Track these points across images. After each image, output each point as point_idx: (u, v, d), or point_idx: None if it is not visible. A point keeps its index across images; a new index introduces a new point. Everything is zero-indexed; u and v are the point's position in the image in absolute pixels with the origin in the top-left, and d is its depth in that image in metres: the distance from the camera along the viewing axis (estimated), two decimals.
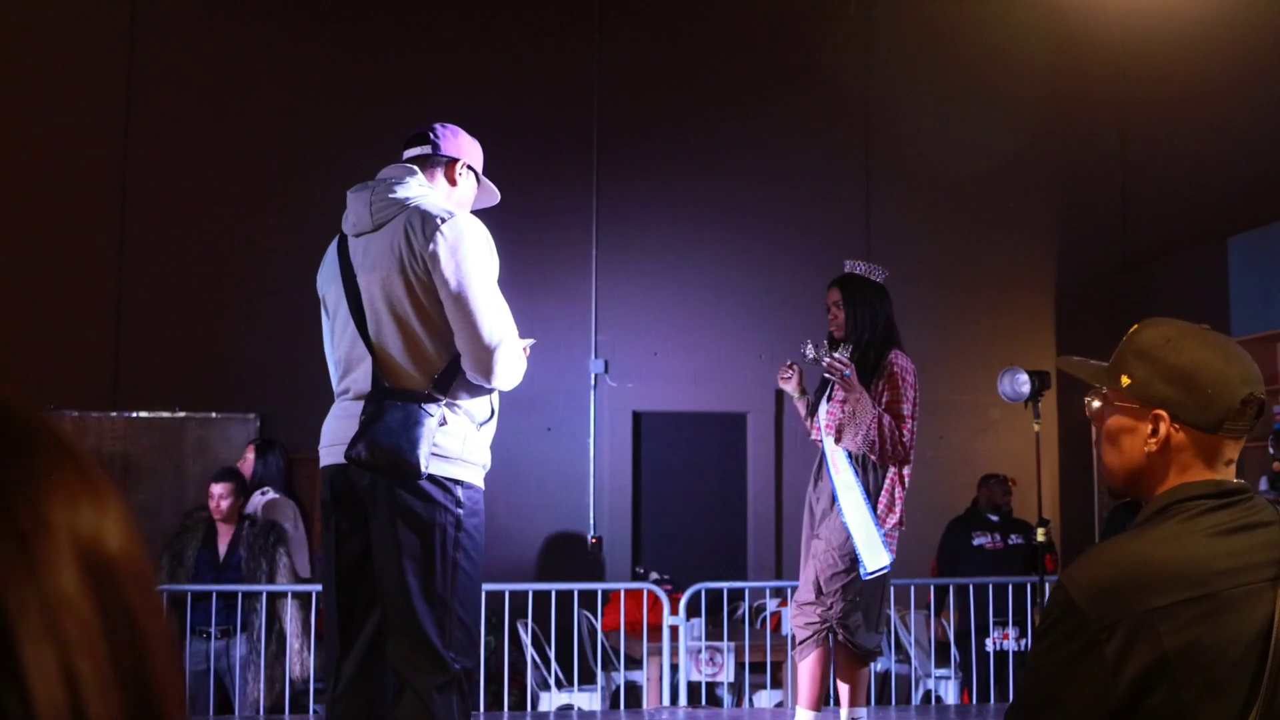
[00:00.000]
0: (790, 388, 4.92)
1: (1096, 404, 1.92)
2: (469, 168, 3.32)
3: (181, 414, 8.38)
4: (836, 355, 4.52)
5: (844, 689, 4.84)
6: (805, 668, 4.79)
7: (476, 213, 3.29)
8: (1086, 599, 1.72)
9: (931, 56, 9.49)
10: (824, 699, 4.90)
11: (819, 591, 4.67)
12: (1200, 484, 1.80)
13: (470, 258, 3.02)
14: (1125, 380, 1.85)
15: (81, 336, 8.38)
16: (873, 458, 4.62)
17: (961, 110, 9.45)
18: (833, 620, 4.65)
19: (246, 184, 8.71)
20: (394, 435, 2.94)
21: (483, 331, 3.00)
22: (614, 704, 7.08)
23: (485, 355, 3.00)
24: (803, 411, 5.03)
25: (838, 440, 4.67)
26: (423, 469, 2.94)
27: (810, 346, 4.65)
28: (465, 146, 3.32)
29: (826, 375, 4.62)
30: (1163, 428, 1.82)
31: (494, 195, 3.45)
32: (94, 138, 8.56)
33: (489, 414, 3.16)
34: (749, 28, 9.42)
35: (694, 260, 9.09)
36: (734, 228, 9.16)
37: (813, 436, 4.96)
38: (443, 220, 3.03)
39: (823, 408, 4.81)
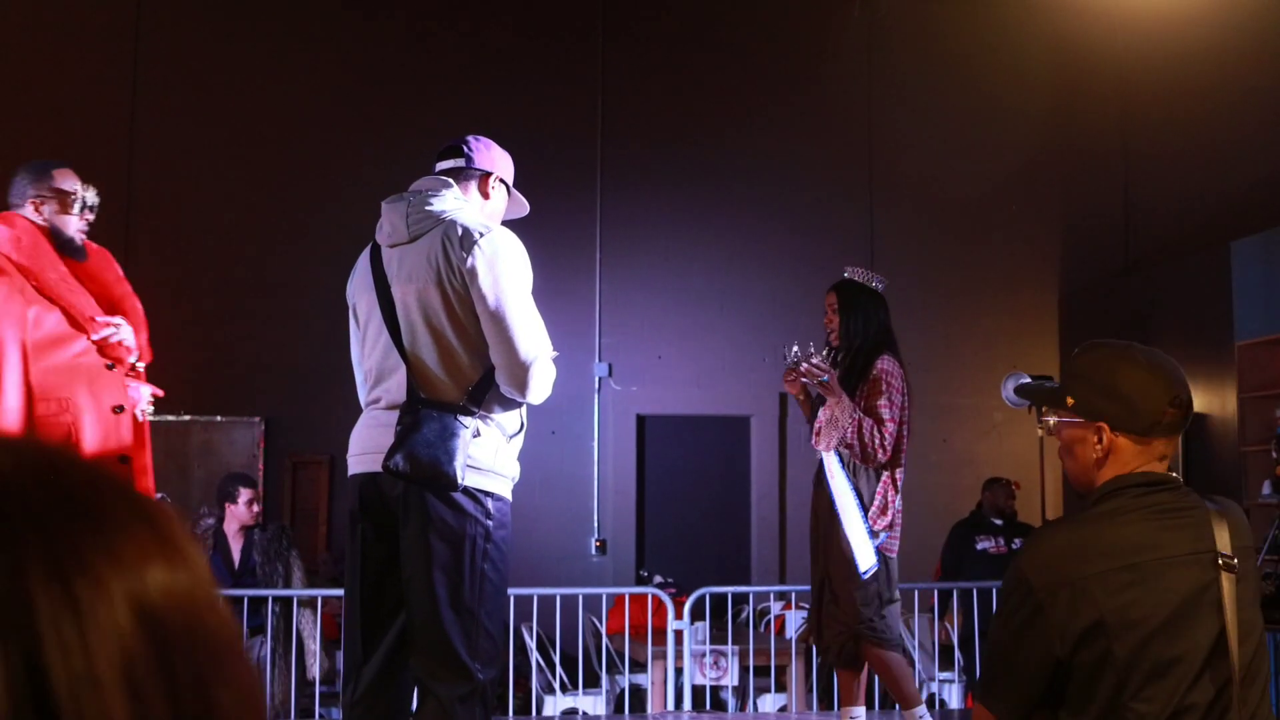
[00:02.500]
0: (796, 391, 4.93)
1: (1052, 421, 2.29)
2: (501, 180, 3.34)
3: (187, 418, 8.39)
4: (815, 361, 4.54)
5: (892, 690, 4.87)
6: (880, 670, 4.80)
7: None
8: (1033, 571, 2.11)
9: (935, 61, 9.50)
10: (916, 695, 4.94)
11: (837, 600, 4.72)
12: (1133, 475, 2.18)
13: (507, 273, 3.04)
14: (1070, 401, 2.25)
15: None
16: (855, 460, 4.67)
17: (965, 115, 9.47)
18: (855, 625, 4.70)
19: (251, 189, 8.72)
20: (432, 447, 2.96)
21: (519, 348, 3.02)
22: (618, 708, 7.09)
23: (521, 371, 3.03)
24: (806, 415, 5.07)
25: (817, 443, 4.74)
26: (459, 481, 2.97)
27: (795, 350, 4.67)
28: (498, 159, 3.35)
29: (803, 380, 4.66)
30: (1105, 436, 2.20)
31: (523, 206, 3.47)
32: (99, 142, 8.57)
33: (519, 426, 3.19)
34: (753, 33, 9.43)
35: (698, 264, 9.11)
36: (738, 231, 9.17)
37: (811, 441, 5.00)
38: (481, 235, 3.05)
39: (820, 413, 4.86)
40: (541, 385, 3.09)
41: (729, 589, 6.97)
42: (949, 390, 9.02)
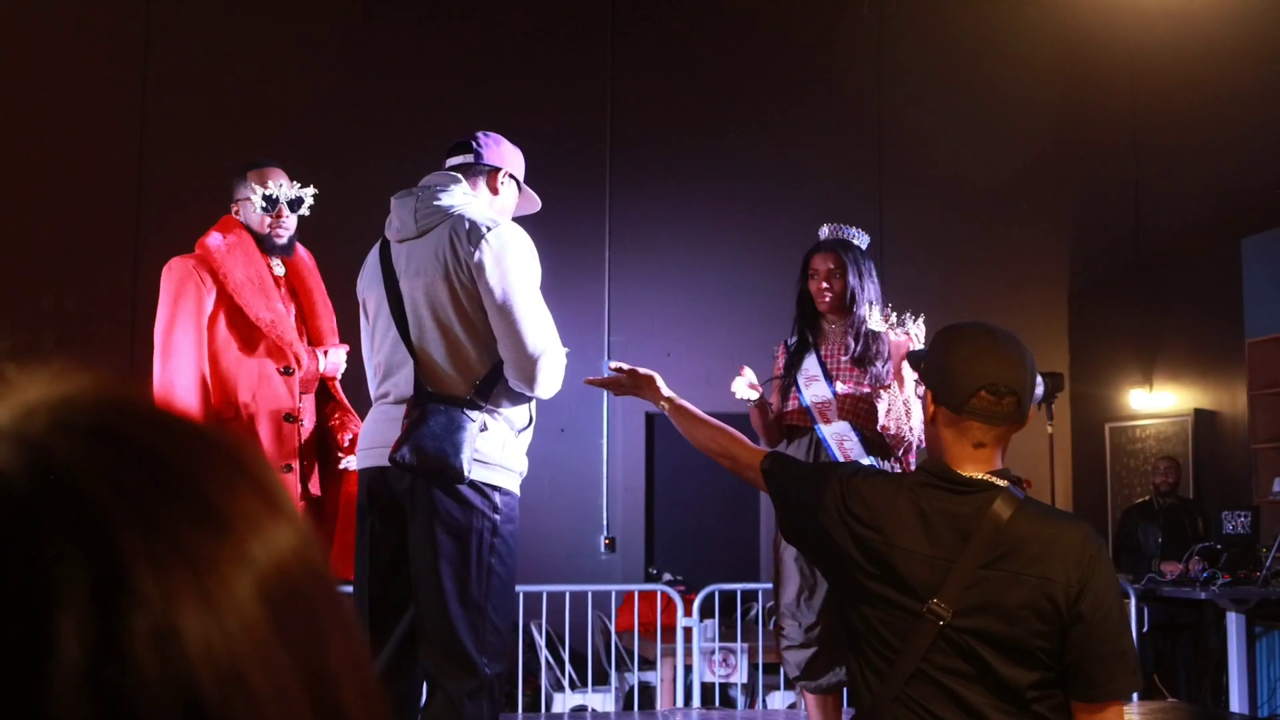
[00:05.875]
0: (745, 391, 4.23)
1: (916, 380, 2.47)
2: (511, 176, 3.34)
3: None
4: (910, 330, 3.81)
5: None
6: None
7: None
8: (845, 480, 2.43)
9: (945, 58, 9.49)
10: None
11: None
12: (939, 464, 2.29)
13: (515, 267, 3.05)
14: (924, 366, 2.42)
15: (96, 340, 8.41)
16: (895, 441, 3.96)
17: (974, 111, 9.45)
18: None
19: None
20: (438, 440, 2.96)
21: (527, 341, 3.02)
22: (628, 705, 7.10)
23: (529, 364, 3.03)
24: (774, 403, 4.32)
25: (881, 426, 3.97)
26: (466, 474, 2.97)
27: (880, 312, 3.94)
28: (507, 155, 3.35)
29: (912, 350, 3.53)
30: (929, 403, 2.36)
31: (535, 203, 3.48)
32: (109, 138, 8.58)
33: (527, 421, 3.19)
34: (762, 28, 9.42)
35: (707, 261, 9.10)
36: (747, 228, 9.17)
37: (789, 421, 4.25)
38: (488, 229, 3.05)
39: (818, 389, 4.14)
40: (550, 379, 3.09)
41: (738, 586, 6.97)
42: None
